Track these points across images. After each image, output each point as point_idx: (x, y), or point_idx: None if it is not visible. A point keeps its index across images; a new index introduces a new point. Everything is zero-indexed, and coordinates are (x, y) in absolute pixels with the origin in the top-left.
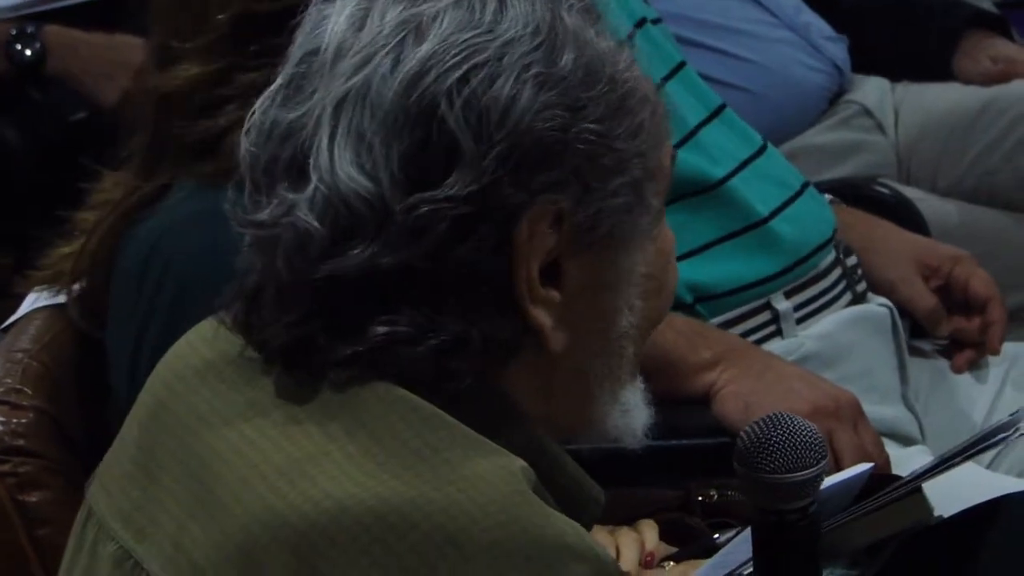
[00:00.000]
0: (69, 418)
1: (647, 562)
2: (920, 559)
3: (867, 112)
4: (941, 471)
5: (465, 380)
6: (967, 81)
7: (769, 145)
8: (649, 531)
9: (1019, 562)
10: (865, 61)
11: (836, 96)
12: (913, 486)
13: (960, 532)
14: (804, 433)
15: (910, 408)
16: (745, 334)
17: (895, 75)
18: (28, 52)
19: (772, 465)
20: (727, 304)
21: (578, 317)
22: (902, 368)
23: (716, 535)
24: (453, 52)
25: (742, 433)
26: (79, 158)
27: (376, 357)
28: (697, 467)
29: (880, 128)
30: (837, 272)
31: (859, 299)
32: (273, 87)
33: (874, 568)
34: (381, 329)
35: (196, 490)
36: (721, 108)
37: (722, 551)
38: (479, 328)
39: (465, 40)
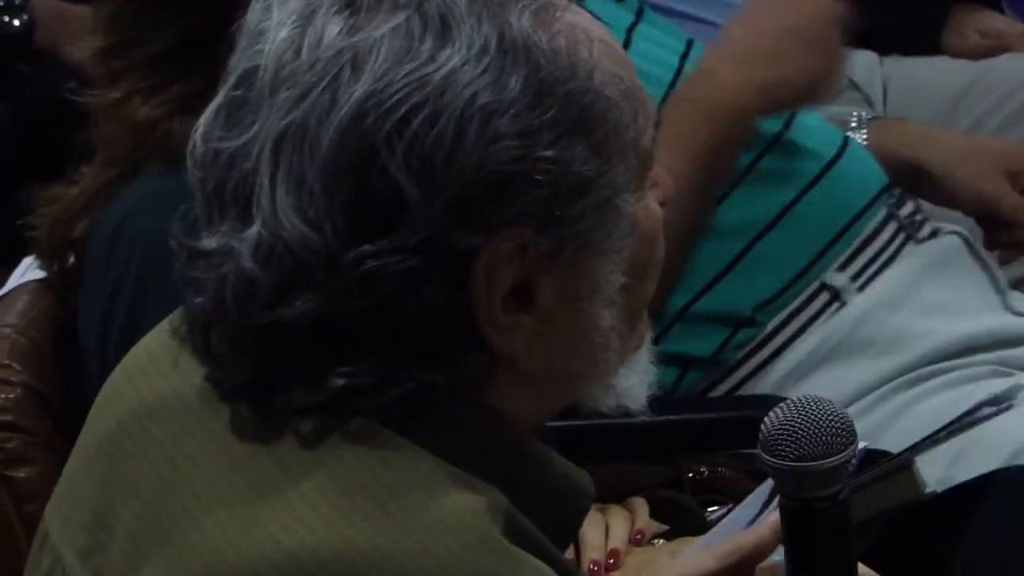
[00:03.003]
0: (57, 394)
1: (637, 539)
2: (911, 534)
3: (855, 86)
4: (930, 446)
5: (433, 418)
6: (956, 55)
7: (796, 116)
8: (640, 508)
9: (1011, 536)
10: (853, 35)
11: None
12: (904, 461)
13: (952, 506)
14: (831, 417)
15: (1018, 313)
16: (811, 320)
17: (884, 49)
18: (16, 23)
19: (798, 452)
20: (784, 301)
21: (556, 329)
22: (994, 281)
23: (707, 512)
24: (391, 92)
25: (765, 419)
26: (68, 131)
27: (339, 406)
28: (688, 443)
29: (868, 102)
30: (892, 227)
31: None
32: (213, 106)
33: (861, 547)
34: (339, 381)
35: (153, 530)
36: None
37: (713, 529)
38: (444, 371)
39: (403, 76)
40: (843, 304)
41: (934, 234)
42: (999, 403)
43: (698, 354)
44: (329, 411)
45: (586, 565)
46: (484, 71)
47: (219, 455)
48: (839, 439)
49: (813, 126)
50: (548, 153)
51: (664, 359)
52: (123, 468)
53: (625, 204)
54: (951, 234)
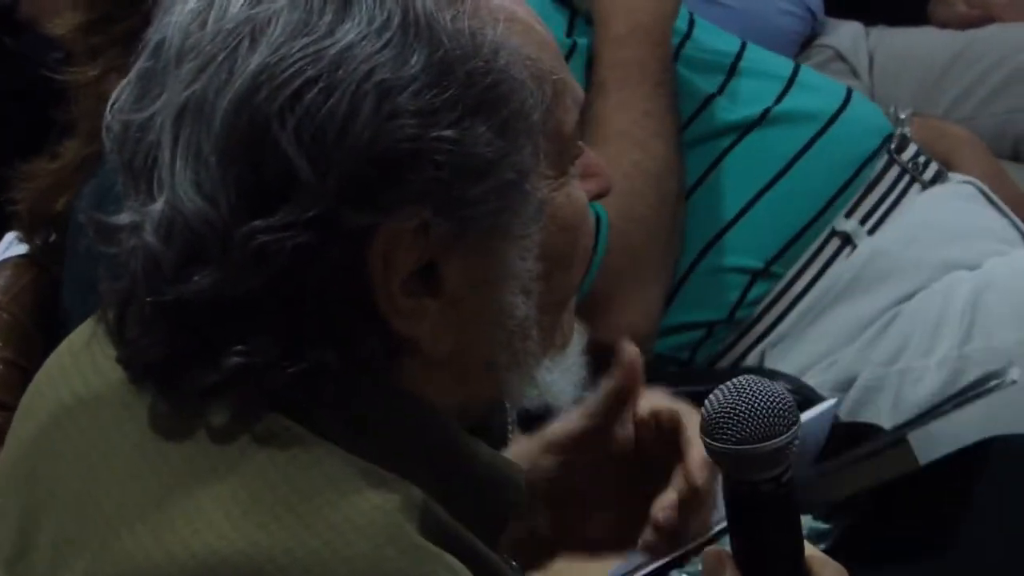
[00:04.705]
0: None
1: None
2: (904, 501)
3: (841, 57)
4: (927, 422)
5: (341, 402)
6: (942, 25)
7: (801, 70)
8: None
9: (1006, 504)
10: (839, 5)
11: (809, 40)
12: (898, 436)
13: (946, 474)
14: (772, 397)
15: None
16: (825, 266)
17: (870, 19)
18: None
19: (741, 435)
20: (797, 251)
21: (467, 315)
22: (1014, 224)
23: None
24: (284, 66)
25: (705, 403)
26: (50, 106)
27: (236, 387)
28: None
29: (854, 73)
30: (895, 171)
31: (931, 186)
32: (125, 81)
33: (849, 519)
34: (235, 359)
35: (72, 538)
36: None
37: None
38: (341, 351)
39: (299, 49)
40: (855, 248)
41: (939, 175)
42: (997, 378)
43: (716, 317)
44: (231, 396)
45: None
46: (384, 47)
47: (135, 458)
48: (781, 420)
49: (816, 79)
50: (447, 133)
51: (682, 328)
52: (44, 474)
53: (534, 188)
54: (965, 183)
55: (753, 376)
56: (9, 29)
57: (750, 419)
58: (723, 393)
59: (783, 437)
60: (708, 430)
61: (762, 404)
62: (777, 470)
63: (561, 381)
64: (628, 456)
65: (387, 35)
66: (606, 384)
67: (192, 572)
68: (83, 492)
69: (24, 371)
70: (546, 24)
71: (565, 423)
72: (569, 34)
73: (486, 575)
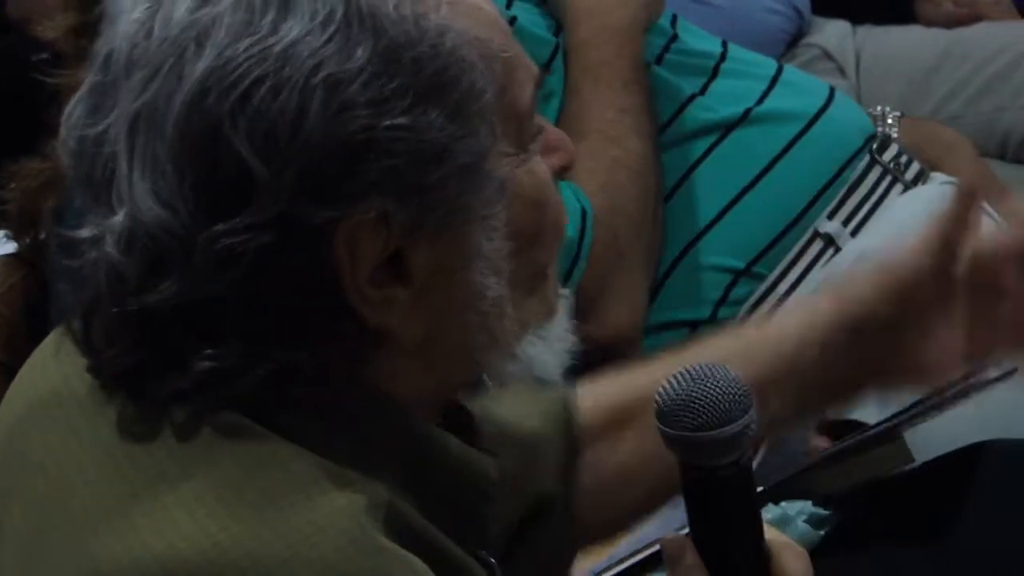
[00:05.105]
0: None
1: None
2: (897, 502)
3: (827, 55)
4: (921, 419)
5: (309, 402)
6: (930, 24)
7: (784, 70)
8: None
9: (1001, 507)
10: (826, 3)
11: (795, 39)
12: (894, 433)
13: (940, 477)
14: (727, 383)
15: None
16: (808, 268)
17: (857, 18)
18: None
19: (697, 422)
20: (779, 252)
21: (439, 299)
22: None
23: None
24: (231, 67)
25: (659, 389)
26: (39, 106)
27: (205, 392)
28: None
29: (841, 72)
30: (876, 172)
31: (913, 186)
32: (77, 96)
33: (847, 509)
34: (204, 364)
35: (38, 536)
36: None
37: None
38: (312, 349)
39: (244, 50)
40: (838, 249)
41: (921, 174)
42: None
43: (699, 316)
44: (199, 401)
45: None
46: (328, 41)
47: (101, 457)
48: (737, 405)
49: (799, 79)
50: (399, 121)
51: (664, 327)
52: (16, 470)
53: (493, 168)
54: (948, 184)
55: (707, 363)
56: None
57: (707, 406)
58: (677, 380)
59: (740, 421)
60: (664, 418)
61: (718, 390)
62: (735, 454)
63: (546, 353)
64: (969, 291)
65: (331, 29)
66: (938, 218)
67: (154, 574)
68: (51, 495)
69: (12, 370)
70: (530, 22)
71: (900, 264)
72: (557, 34)
73: (452, 574)
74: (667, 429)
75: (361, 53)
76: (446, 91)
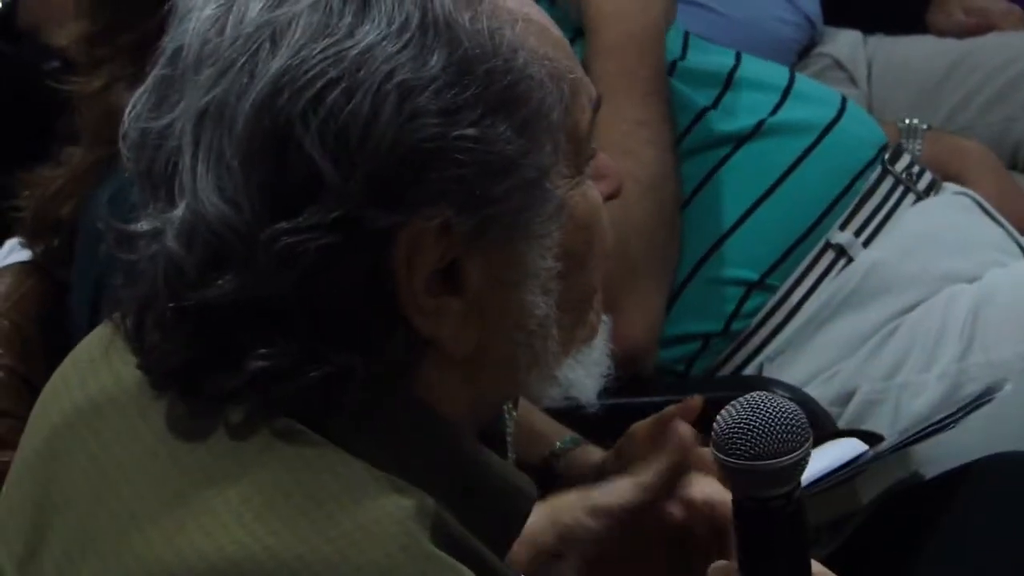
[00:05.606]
0: (40, 377)
1: None
2: (902, 518)
3: (839, 65)
4: (917, 440)
5: (357, 408)
6: (941, 34)
7: (796, 80)
8: None
9: (1007, 521)
10: (838, 13)
11: (807, 49)
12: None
13: (945, 490)
14: (785, 413)
15: None
16: (820, 279)
17: (868, 27)
18: None
19: (755, 451)
20: (792, 264)
21: (488, 314)
22: (1010, 235)
23: None
24: (305, 68)
25: (718, 417)
26: (50, 114)
27: (258, 391)
28: None
29: (852, 81)
30: (888, 182)
31: (925, 196)
32: (142, 89)
33: (834, 544)
34: (259, 363)
35: (83, 542)
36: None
37: None
38: (365, 354)
39: (319, 52)
40: (851, 260)
41: (933, 185)
42: (990, 394)
43: (711, 329)
44: (252, 400)
45: None
46: (404, 47)
47: (148, 461)
48: (794, 436)
49: (812, 89)
50: (469, 132)
51: (677, 340)
52: (58, 476)
53: (554, 187)
54: (960, 195)
55: (765, 392)
56: (6, 35)
57: (764, 435)
58: (736, 409)
59: (796, 453)
60: (721, 445)
61: (776, 420)
62: (788, 487)
63: (585, 378)
64: (675, 534)
65: (406, 36)
66: (660, 460)
67: (201, 574)
68: (95, 496)
69: (24, 379)
70: None
71: (616, 490)
72: (573, 41)
73: None
74: (724, 457)
75: (435, 61)
76: (516, 106)
